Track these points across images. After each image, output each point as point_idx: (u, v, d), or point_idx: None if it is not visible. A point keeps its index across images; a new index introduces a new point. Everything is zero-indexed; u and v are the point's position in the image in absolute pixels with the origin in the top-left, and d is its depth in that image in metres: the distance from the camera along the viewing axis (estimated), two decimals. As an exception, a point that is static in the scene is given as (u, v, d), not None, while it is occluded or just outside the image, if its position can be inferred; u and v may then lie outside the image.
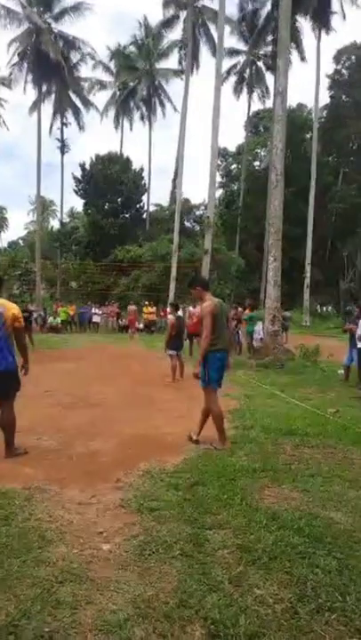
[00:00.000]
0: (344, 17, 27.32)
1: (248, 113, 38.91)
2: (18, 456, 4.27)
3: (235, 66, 35.97)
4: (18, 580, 2.32)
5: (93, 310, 24.18)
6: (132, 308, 23.78)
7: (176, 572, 2.40)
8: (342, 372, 9.15)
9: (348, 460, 4.27)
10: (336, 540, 2.73)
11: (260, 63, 35.68)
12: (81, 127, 34.63)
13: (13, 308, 4.24)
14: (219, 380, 4.71)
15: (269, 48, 31.92)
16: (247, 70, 36.23)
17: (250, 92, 37.02)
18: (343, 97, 38.12)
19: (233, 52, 34.63)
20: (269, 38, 30.38)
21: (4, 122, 36.47)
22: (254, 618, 2.05)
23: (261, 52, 34.47)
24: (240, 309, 14.14)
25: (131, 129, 40.06)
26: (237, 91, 36.79)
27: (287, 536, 2.75)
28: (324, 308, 34.19)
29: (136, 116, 38.75)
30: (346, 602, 2.18)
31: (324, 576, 2.38)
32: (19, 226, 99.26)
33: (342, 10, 27.28)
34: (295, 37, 27.93)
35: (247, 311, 13.08)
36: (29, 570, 2.40)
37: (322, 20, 27.59)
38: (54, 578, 2.33)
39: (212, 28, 27.89)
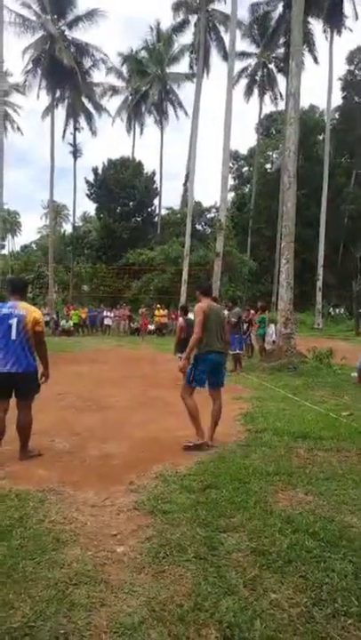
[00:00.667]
0: (357, 17, 27.20)
1: (260, 115, 38.93)
2: (32, 458, 4.31)
3: (246, 69, 36.08)
4: (33, 581, 2.33)
5: (105, 313, 24.29)
6: (143, 311, 23.91)
7: (190, 575, 2.39)
8: (356, 374, 9.06)
9: (363, 464, 4.22)
10: (352, 544, 2.70)
11: (271, 65, 35.72)
12: (93, 132, 35.01)
13: (35, 312, 4.36)
14: (204, 381, 4.78)
15: (281, 50, 31.89)
16: (258, 73, 36.28)
17: (261, 95, 37.08)
18: (356, 98, 37.90)
19: (244, 55, 34.71)
20: (281, 41, 30.32)
21: (18, 127, 36.99)
22: (270, 622, 2.03)
23: (273, 55, 34.45)
24: (252, 312, 14.09)
25: (141, 133, 40.30)
26: (248, 93, 36.94)
27: (302, 540, 2.72)
28: (337, 311, 33.91)
29: (148, 120, 39.06)
30: (363, 607, 2.15)
31: (339, 580, 2.35)
32: (32, 230, 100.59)
33: (355, 11, 27.19)
34: (308, 39, 27.89)
35: (259, 313, 13.02)
36: (44, 571, 2.41)
37: (334, 22, 27.53)
38: (69, 580, 2.34)
39: (223, 31, 28.01)
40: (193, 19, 28.86)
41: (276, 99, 36.93)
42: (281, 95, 35.81)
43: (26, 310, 4.29)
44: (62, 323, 23.33)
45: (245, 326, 12.75)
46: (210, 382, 4.89)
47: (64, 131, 34.77)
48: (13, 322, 4.18)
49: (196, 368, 4.74)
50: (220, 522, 2.97)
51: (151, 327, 23.94)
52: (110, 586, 2.31)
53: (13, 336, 4.18)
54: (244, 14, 32.49)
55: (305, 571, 2.43)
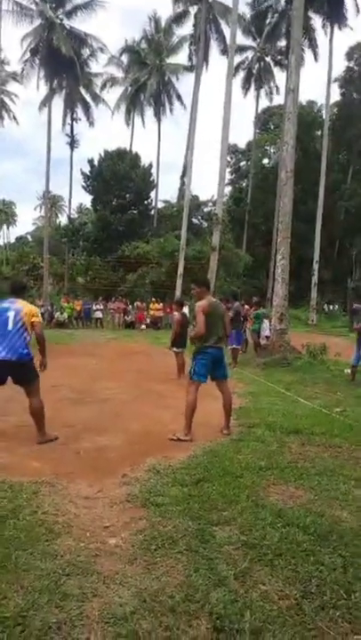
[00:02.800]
0: (358, 11, 27.04)
1: (256, 109, 38.79)
2: (49, 441, 4.54)
3: (243, 62, 35.86)
4: (25, 571, 2.35)
5: (95, 306, 24.13)
6: (140, 304, 23.89)
7: (182, 567, 2.42)
8: (349, 371, 9.13)
9: (354, 459, 4.26)
10: (342, 539, 2.74)
11: (268, 59, 35.53)
12: (91, 123, 34.73)
13: (31, 306, 4.67)
14: (207, 374, 4.95)
15: (280, 44, 31.75)
16: (256, 66, 36.07)
17: (258, 89, 36.90)
18: (354, 94, 37.81)
19: (242, 49, 34.46)
20: (282, 35, 30.15)
21: (14, 117, 36.59)
22: (259, 613, 2.07)
23: (271, 49, 34.24)
24: (247, 307, 14.11)
25: (143, 125, 39.99)
26: (245, 87, 36.75)
27: (293, 533, 2.76)
28: (331, 307, 34.06)
29: (147, 112, 38.74)
30: (350, 599, 2.19)
31: (329, 573, 2.39)
32: (27, 221, 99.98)
33: (356, 6, 27.04)
34: (309, 35, 27.77)
35: (254, 309, 13.05)
36: (37, 562, 2.43)
37: (334, 16, 27.37)
38: (61, 570, 2.36)
39: (223, 24, 27.79)
40: (193, 10, 28.63)
41: (271, 93, 36.92)
42: (278, 89, 35.79)
43: (23, 305, 4.58)
44: (57, 315, 23.24)
45: (242, 321, 12.76)
46: (213, 376, 5.07)
47: (63, 121, 34.51)
48: (11, 314, 4.46)
49: (198, 363, 4.92)
50: (211, 515, 3.00)
51: (146, 321, 23.93)
52: (102, 577, 2.33)
53: (10, 327, 4.42)
54: (242, 8, 32.00)
55: (295, 564, 2.47)
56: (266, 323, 12.47)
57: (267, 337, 12.31)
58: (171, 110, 37.30)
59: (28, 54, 29.08)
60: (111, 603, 2.13)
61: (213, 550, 2.59)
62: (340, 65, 38.65)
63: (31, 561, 2.44)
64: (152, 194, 37.32)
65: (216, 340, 4.95)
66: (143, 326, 23.05)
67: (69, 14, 29.57)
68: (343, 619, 2.07)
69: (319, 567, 2.44)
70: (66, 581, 2.27)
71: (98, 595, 2.19)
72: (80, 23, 30.56)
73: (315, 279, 28.15)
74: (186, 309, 24.14)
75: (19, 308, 4.52)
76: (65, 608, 2.08)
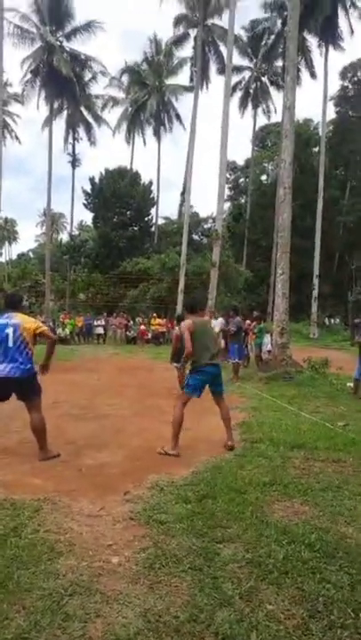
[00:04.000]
0: (352, 32, 27.70)
1: (254, 127, 39.38)
2: (51, 459, 4.51)
3: (240, 82, 36.61)
4: (27, 591, 2.31)
5: (95, 322, 24.16)
6: (140, 321, 23.93)
7: (186, 586, 2.38)
8: (351, 384, 9.08)
9: (359, 474, 4.22)
10: (348, 556, 2.69)
11: (264, 79, 36.27)
12: (92, 142, 35.26)
13: (29, 319, 4.68)
14: (200, 390, 4.99)
15: (278, 64, 32.40)
16: (253, 86, 36.79)
17: (255, 108, 37.57)
18: (350, 112, 38.45)
19: (239, 69, 35.20)
20: (279, 56, 30.81)
21: (16, 136, 37.19)
22: (266, 634, 2.03)
23: (268, 69, 34.99)
24: (248, 322, 14.12)
25: (144, 144, 40.62)
26: (243, 106, 37.43)
27: (298, 551, 2.72)
28: (332, 321, 34.06)
29: (147, 131, 39.35)
30: (358, 619, 2.15)
31: (336, 592, 2.34)
32: (29, 238, 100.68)
33: (350, 27, 27.68)
34: (305, 55, 28.38)
35: (255, 323, 13.06)
36: (39, 582, 2.39)
37: (328, 36, 28.00)
38: (64, 590, 2.32)
39: (222, 46, 28.41)
40: (193, 32, 29.30)
41: (268, 112, 37.59)
42: (275, 109, 36.43)
43: (22, 319, 4.56)
44: (58, 331, 23.25)
45: (243, 335, 12.75)
46: (211, 391, 5.12)
47: (65, 140, 35.04)
48: (10, 330, 4.43)
49: (193, 377, 4.96)
50: (216, 532, 2.96)
51: (148, 336, 23.93)
52: (105, 596, 2.29)
53: (10, 343, 4.41)
54: (239, 30, 32.76)
55: (301, 582, 2.42)
56: (268, 337, 12.46)
57: (269, 351, 12.29)
58: (170, 129, 37.91)
59: (29, 75, 29.69)
60: (115, 623, 2.09)
61: (218, 569, 2.55)
62: (336, 83, 39.22)
63: (33, 580, 2.40)
64: (152, 211, 37.72)
65: (210, 357, 5.00)
66: (144, 343, 23.04)
67: (69, 36, 30.23)
68: (351, 638, 2.03)
69: (326, 585, 2.40)
70: (68, 601, 2.24)
71: (101, 615, 2.15)
72: (80, 45, 31.30)
73: (315, 293, 28.22)
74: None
75: (17, 322, 4.48)
76: (68, 629, 2.04)
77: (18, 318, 4.53)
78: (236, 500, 3.48)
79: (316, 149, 36.26)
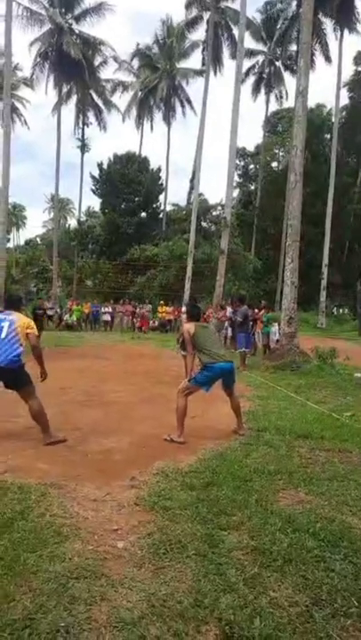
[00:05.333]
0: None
1: (266, 113, 38.76)
2: (56, 443, 4.58)
3: (253, 66, 35.93)
4: (34, 574, 2.35)
5: (103, 309, 24.26)
6: (144, 312, 23.90)
7: (191, 572, 2.40)
8: (359, 375, 9.04)
9: (365, 465, 4.21)
10: (352, 545, 2.70)
11: (278, 63, 35.54)
12: (102, 127, 34.93)
13: (25, 319, 4.86)
14: (208, 386, 5.09)
15: (293, 48, 31.70)
16: (266, 70, 36.09)
17: (268, 93, 36.89)
18: (363, 98, 37.65)
19: (252, 53, 34.50)
20: (293, 38, 30.13)
21: (25, 121, 36.92)
22: (269, 620, 2.04)
23: (281, 53, 34.22)
24: (256, 310, 14.07)
25: (152, 129, 40.12)
26: (256, 91, 36.72)
27: (303, 539, 2.73)
28: (341, 310, 33.83)
29: (157, 116, 38.87)
30: (362, 607, 2.15)
31: (339, 581, 2.35)
32: (37, 224, 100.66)
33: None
34: (320, 38, 27.73)
35: (264, 312, 13.01)
36: (45, 565, 2.42)
37: (344, 19, 27.31)
38: (69, 573, 2.35)
39: (235, 29, 27.83)
40: (206, 15, 28.70)
41: (281, 97, 36.88)
42: (287, 94, 35.76)
43: (18, 317, 4.80)
44: (66, 317, 23.36)
45: (250, 324, 12.72)
46: (222, 384, 5.21)
47: (76, 124, 34.71)
48: (5, 325, 4.67)
49: (202, 374, 5.03)
50: (220, 519, 2.98)
51: (155, 324, 23.98)
52: (110, 580, 2.32)
53: (2, 335, 4.61)
54: (253, 13, 32.13)
55: (305, 570, 2.43)
56: (276, 326, 12.43)
57: (277, 340, 12.26)
58: (183, 113, 37.36)
59: (38, 59, 29.35)
60: (119, 607, 2.11)
61: (222, 555, 2.56)
62: (350, 69, 38.40)
63: (39, 563, 2.43)
64: (161, 197, 37.52)
65: (221, 354, 5.10)
66: (146, 331, 23.09)
67: (78, 19, 29.84)
68: (355, 627, 2.04)
69: (330, 574, 2.41)
70: (74, 584, 2.26)
71: (106, 598, 2.18)
72: (89, 27, 30.98)
73: (324, 282, 27.98)
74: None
75: (13, 319, 4.72)
76: (73, 611, 2.07)
77: (15, 316, 4.79)
78: (241, 487, 3.49)
79: (328, 136, 35.61)
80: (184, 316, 9.73)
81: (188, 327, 5.19)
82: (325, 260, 27.86)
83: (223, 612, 2.08)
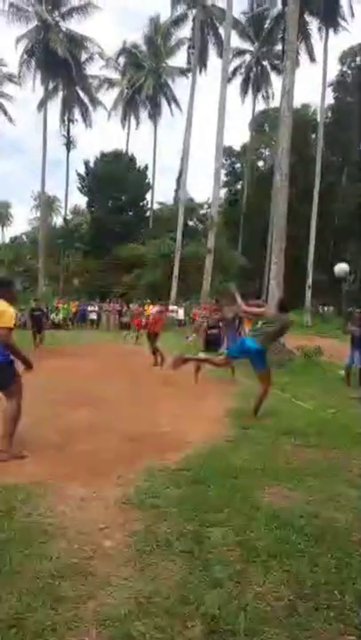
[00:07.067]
0: (353, 15, 27.28)
1: (253, 112, 38.88)
2: (10, 458, 4.06)
3: (240, 66, 36.01)
4: (20, 573, 2.34)
5: (89, 308, 24.13)
6: (136, 309, 23.76)
7: (177, 569, 2.42)
8: (343, 372, 9.16)
9: (348, 460, 4.28)
10: (336, 540, 2.75)
11: (265, 63, 35.68)
12: (88, 124, 34.71)
13: (7, 309, 4.16)
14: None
15: (278, 47, 31.86)
16: (253, 70, 36.22)
17: (255, 92, 37.03)
18: (348, 98, 38.02)
19: (239, 53, 34.61)
20: (279, 37, 30.27)
21: (10, 117, 36.46)
22: (254, 615, 2.07)
23: (268, 52, 34.40)
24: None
25: (137, 127, 39.95)
26: (244, 90, 36.83)
27: (287, 535, 2.77)
28: (326, 309, 34.15)
29: (143, 114, 38.74)
30: (344, 600, 2.20)
31: (323, 575, 2.40)
32: (22, 221, 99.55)
33: (351, 9, 27.25)
34: (305, 38, 27.91)
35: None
36: (31, 564, 2.42)
37: (329, 19, 27.54)
38: (56, 572, 2.35)
39: (221, 28, 27.88)
40: (192, 13, 28.70)
41: (268, 97, 37.06)
42: (273, 94, 35.96)
43: (3, 306, 4.13)
44: (52, 316, 23.18)
45: (237, 322, 12.76)
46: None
47: (62, 121, 34.43)
48: None
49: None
50: (206, 516, 3.00)
51: (142, 323, 23.91)
52: (97, 579, 2.33)
53: None
54: (241, 11, 32.14)
55: (289, 565, 2.47)
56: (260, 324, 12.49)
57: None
58: (170, 112, 37.25)
59: (25, 56, 29.07)
60: (106, 605, 2.13)
61: (208, 552, 2.59)
62: (335, 69, 38.74)
63: (26, 563, 2.43)
64: (148, 196, 37.43)
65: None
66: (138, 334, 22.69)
67: (65, 16, 29.60)
68: (337, 619, 2.08)
69: (313, 568, 2.45)
70: (60, 583, 2.27)
71: (93, 597, 2.19)
72: (76, 25, 30.65)
73: (309, 281, 28.23)
74: (181, 311, 24.04)
75: None
76: (59, 610, 2.08)
77: None
78: (228, 484, 3.53)
79: (314, 136, 35.89)
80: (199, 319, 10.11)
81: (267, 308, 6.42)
82: (311, 260, 28.11)
83: (209, 607, 2.11)
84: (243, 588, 2.27)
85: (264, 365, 5.99)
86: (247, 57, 35.89)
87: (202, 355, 9.27)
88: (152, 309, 12.27)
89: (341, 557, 2.56)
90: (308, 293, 28.27)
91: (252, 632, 1.97)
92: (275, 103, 36.34)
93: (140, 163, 36.38)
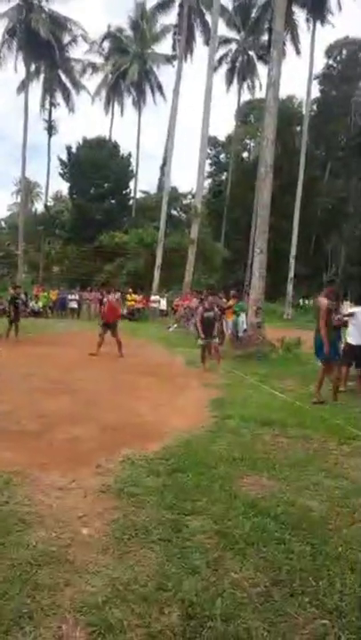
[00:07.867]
0: (340, 7, 27.29)
1: (238, 103, 38.70)
2: None
3: (226, 55, 35.71)
4: (-4, 561, 2.33)
5: (70, 297, 23.85)
6: (112, 298, 23.58)
7: (155, 556, 2.44)
8: (320, 364, 9.27)
9: (325, 450, 4.37)
10: (311, 528, 2.80)
11: (251, 53, 35.46)
12: (70, 109, 34.02)
13: None
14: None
15: (264, 37, 31.66)
16: (239, 59, 35.98)
17: (240, 82, 36.82)
18: (333, 92, 38.21)
19: (225, 41, 34.30)
20: (266, 28, 30.09)
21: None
22: (230, 601, 2.11)
23: (254, 42, 34.15)
24: (224, 300, 14.15)
25: (122, 114, 39.34)
26: (229, 80, 36.59)
27: (264, 523, 2.81)
28: (307, 301, 34.54)
29: (127, 101, 38.12)
30: (318, 586, 2.25)
31: (298, 561, 2.45)
32: (2, 207, 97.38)
33: (339, 2, 27.24)
34: (292, 29, 27.82)
35: (232, 302, 13.11)
36: (9, 552, 2.41)
37: (317, 12, 27.50)
38: (33, 560, 2.35)
39: (208, 15, 27.54)
40: (178, -1, 28.23)
41: (253, 87, 36.91)
42: (260, 85, 35.78)
43: None
44: (31, 304, 22.86)
45: (219, 314, 12.80)
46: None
47: (41, 106, 33.68)
48: None
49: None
50: (185, 505, 3.03)
51: (123, 312, 23.76)
52: (75, 566, 2.33)
53: None
54: (227, 2, 31.75)
55: (266, 552, 2.52)
56: (243, 316, 12.57)
57: (245, 330, 12.41)
58: (154, 100, 36.73)
59: (6, 36, 28.26)
60: (84, 592, 2.13)
61: (186, 539, 2.62)
62: (322, 61, 38.72)
63: (3, 551, 2.42)
64: (131, 184, 36.99)
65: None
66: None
67: (48, -4, 28.81)
68: (311, 604, 2.13)
69: (289, 555, 2.50)
70: (38, 571, 2.26)
71: (70, 584, 2.19)
72: (60, 5, 29.93)
73: (291, 274, 28.48)
74: (163, 302, 23.91)
75: None
76: (37, 597, 2.08)
77: None
78: (206, 474, 3.56)
79: (298, 128, 35.97)
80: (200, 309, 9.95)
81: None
82: (293, 252, 28.33)
83: (186, 593, 2.13)
84: (220, 575, 2.30)
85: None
86: (233, 46, 35.63)
87: (200, 342, 9.41)
88: (110, 297, 12.15)
89: (317, 544, 2.61)
90: (290, 286, 28.52)
91: (228, 617, 2.00)
92: (260, 94, 36.26)
93: (123, 150, 35.94)
